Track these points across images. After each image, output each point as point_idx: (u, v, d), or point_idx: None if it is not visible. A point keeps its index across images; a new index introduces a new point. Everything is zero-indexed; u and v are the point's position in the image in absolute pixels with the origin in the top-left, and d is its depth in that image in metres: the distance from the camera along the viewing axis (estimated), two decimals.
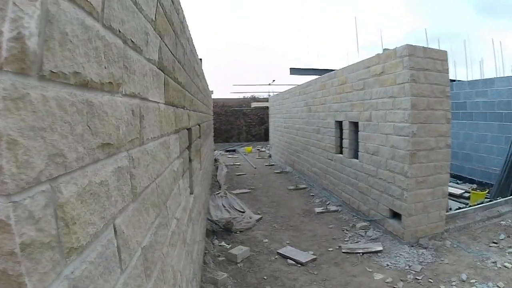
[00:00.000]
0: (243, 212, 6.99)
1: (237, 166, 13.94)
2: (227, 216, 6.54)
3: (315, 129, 9.00)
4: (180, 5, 2.70)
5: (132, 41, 1.17)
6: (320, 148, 8.68)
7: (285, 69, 21.07)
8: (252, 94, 26.94)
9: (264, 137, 22.97)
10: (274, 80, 23.85)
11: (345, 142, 7.18)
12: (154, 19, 1.58)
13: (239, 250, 4.85)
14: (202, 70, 5.88)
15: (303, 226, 6.17)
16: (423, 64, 4.93)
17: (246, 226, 6.13)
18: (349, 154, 7.05)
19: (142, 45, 1.33)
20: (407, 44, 4.94)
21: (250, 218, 6.51)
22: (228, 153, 19.22)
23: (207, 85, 8.30)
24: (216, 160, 14.41)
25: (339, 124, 7.51)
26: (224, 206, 7.40)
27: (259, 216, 6.69)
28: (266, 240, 5.49)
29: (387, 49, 5.54)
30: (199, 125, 4.13)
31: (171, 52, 2.13)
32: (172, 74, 2.13)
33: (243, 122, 24.62)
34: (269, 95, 22.54)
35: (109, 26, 0.94)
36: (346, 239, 5.41)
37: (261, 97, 26.13)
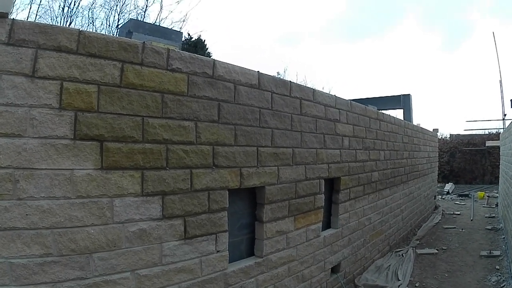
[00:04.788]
0: (399, 281, 6.33)
1: (454, 216, 12.08)
2: (377, 284, 6.15)
3: None
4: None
5: None
6: None
7: None
8: (485, 130, 23.15)
9: None
10: (506, 115, 19.70)
11: None
12: None
13: None
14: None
15: None
16: None
17: None
18: None
19: None
20: None
21: None
22: (459, 198, 16.71)
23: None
24: (436, 208, 13.12)
25: None
26: (388, 269, 6.94)
27: None
28: None
29: None
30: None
31: None
32: None
33: (488, 162, 21.22)
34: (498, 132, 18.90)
35: None
36: None
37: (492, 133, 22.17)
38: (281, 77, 4.21)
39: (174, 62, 2.89)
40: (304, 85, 4.45)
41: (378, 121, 6.66)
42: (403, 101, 12.70)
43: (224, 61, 3.37)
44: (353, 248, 5.77)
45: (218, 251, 3.27)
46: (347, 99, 5.49)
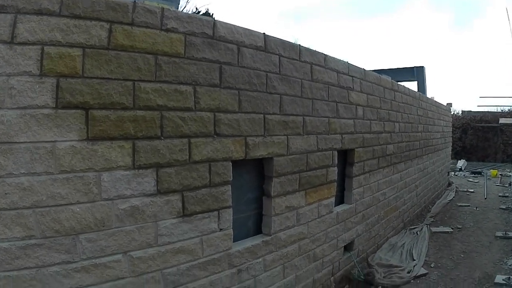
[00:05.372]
0: (414, 261, 6.02)
1: (468, 193, 11.71)
2: (391, 263, 5.83)
3: None
4: None
5: None
6: None
7: None
8: (498, 107, 22.72)
9: None
10: None
11: None
12: None
13: None
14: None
15: None
16: None
17: (392, 282, 4.94)
18: None
19: None
20: None
21: (409, 272, 5.18)
22: (472, 175, 16.30)
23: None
24: (449, 184, 12.74)
25: None
26: (402, 247, 6.61)
27: (422, 272, 5.29)
28: None
29: None
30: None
31: None
32: None
33: (500, 140, 20.88)
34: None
35: None
36: None
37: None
38: None
39: (169, 22, 2.57)
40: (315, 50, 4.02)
41: (392, 91, 6.23)
42: (416, 73, 12.15)
43: (225, 21, 3.01)
44: (367, 225, 5.45)
45: (221, 229, 2.99)
46: (361, 67, 5.07)
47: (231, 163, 3.04)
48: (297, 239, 3.85)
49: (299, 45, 3.80)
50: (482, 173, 16.38)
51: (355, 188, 4.94)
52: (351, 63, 4.76)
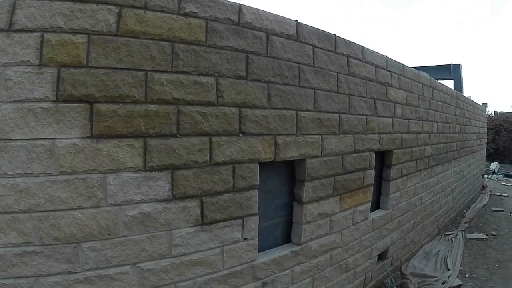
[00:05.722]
0: (449, 270, 5.54)
1: (502, 198, 11.15)
2: (426, 273, 5.38)
3: None
4: None
5: None
6: None
7: None
8: None
9: None
10: None
11: None
12: None
13: None
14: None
15: None
16: None
17: None
18: None
19: None
20: None
21: (443, 283, 4.74)
22: (506, 178, 15.60)
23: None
24: (483, 188, 12.11)
25: None
26: (437, 255, 6.15)
27: (457, 284, 4.82)
28: None
29: None
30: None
31: None
32: None
33: None
34: None
35: None
36: None
37: None
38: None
39: (187, 6, 2.28)
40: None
41: (431, 89, 5.75)
42: (453, 71, 11.51)
43: (253, 6, 2.67)
44: (402, 231, 5.02)
45: (245, 239, 2.66)
46: (399, 61, 4.64)
47: (258, 165, 2.70)
48: (329, 249, 3.48)
49: (335, 35, 3.41)
50: None
51: (392, 192, 4.51)
52: (389, 57, 4.35)
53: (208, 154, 2.40)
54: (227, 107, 2.49)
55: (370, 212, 4.16)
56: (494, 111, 23.65)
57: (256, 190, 2.71)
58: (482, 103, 11.60)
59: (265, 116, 2.73)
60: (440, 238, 6.71)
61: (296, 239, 3.19)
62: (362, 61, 3.75)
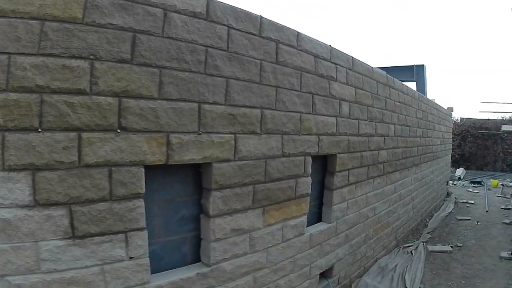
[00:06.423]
0: None
1: (468, 205, 10.94)
2: None
3: None
4: None
5: None
6: None
7: None
8: (499, 114, 22.48)
9: None
10: None
11: None
12: None
13: None
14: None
15: None
16: None
17: None
18: None
19: None
20: None
21: None
22: (471, 184, 15.59)
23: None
24: (448, 195, 11.84)
25: None
26: (394, 271, 5.66)
27: None
28: None
29: None
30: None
31: None
32: None
33: (500, 149, 20.55)
34: None
35: None
36: None
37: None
38: None
39: None
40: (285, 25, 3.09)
41: (387, 88, 5.28)
42: (416, 73, 11.19)
43: None
44: (351, 246, 4.49)
45: (131, 258, 2.18)
46: (347, 53, 4.10)
47: (143, 169, 2.17)
48: (250, 270, 2.92)
49: (261, 16, 2.86)
50: (482, 183, 15.67)
51: (336, 203, 3.97)
52: (335, 47, 3.80)
53: (77, 154, 1.96)
54: (102, 97, 2.03)
55: (308, 226, 3.61)
56: (461, 118, 24.00)
57: (142, 200, 2.21)
58: (448, 108, 11.28)
59: (154, 109, 2.20)
60: (399, 251, 6.27)
61: (206, 259, 2.65)
62: (297, 49, 3.20)
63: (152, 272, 2.32)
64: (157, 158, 2.21)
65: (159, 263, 2.43)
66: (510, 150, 20.44)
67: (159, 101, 2.20)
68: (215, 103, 2.48)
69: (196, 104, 2.37)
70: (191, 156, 2.36)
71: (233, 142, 2.60)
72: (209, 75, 2.44)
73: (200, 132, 2.40)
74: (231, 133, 2.59)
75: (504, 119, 22.16)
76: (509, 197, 12.42)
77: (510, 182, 15.97)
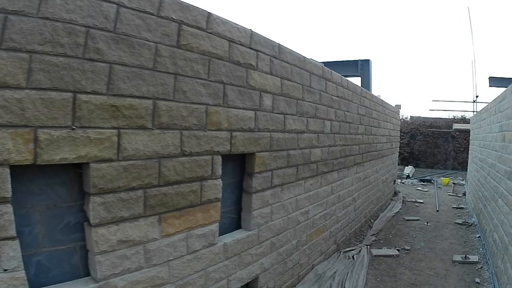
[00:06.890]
0: None
1: (417, 204, 11.32)
2: None
3: (508, 172, 5.48)
4: None
5: None
6: (509, 205, 5.20)
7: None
8: (452, 112, 24.15)
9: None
10: (478, 96, 19.98)
11: None
12: None
13: None
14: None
15: None
16: None
17: None
18: None
19: None
20: None
21: None
22: (421, 183, 16.29)
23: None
24: (395, 194, 12.22)
25: None
26: (332, 279, 5.64)
27: None
28: None
29: None
30: None
31: None
32: None
33: (451, 147, 21.90)
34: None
35: None
36: None
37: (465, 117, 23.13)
38: None
39: None
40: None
41: (323, 80, 5.25)
42: (361, 68, 11.41)
43: None
44: (280, 254, 4.39)
45: (5, 270, 2.00)
46: (274, 40, 3.98)
47: (9, 170, 1.96)
48: (149, 286, 2.70)
49: None
50: (432, 181, 16.39)
51: (256, 208, 3.84)
52: (256, 32, 3.66)
53: None
54: None
55: (222, 234, 3.44)
56: (411, 116, 25.25)
57: (9, 205, 1.98)
58: (396, 105, 11.63)
59: (20, 100, 1.98)
60: (339, 256, 6.29)
61: (94, 273, 2.44)
62: (207, 32, 3.03)
63: (40, 286, 2.19)
64: (24, 157, 1.98)
65: (46, 276, 2.27)
66: (462, 149, 21.43)
67: (27, 90, 1.97)
68: (94, 92, 2.25)
69: (70, 94, 2.14)
70: (63, 155, 2.13)
71: (115, 138, 2.38)
72: (88, 60, 2.21)
73: (74, 127, 2.17)
74: (113, 128, 2.37)
75: (455, 117, 23.55)
76: (461, 195, 13.01)
77: (462, 180, 16.72)
